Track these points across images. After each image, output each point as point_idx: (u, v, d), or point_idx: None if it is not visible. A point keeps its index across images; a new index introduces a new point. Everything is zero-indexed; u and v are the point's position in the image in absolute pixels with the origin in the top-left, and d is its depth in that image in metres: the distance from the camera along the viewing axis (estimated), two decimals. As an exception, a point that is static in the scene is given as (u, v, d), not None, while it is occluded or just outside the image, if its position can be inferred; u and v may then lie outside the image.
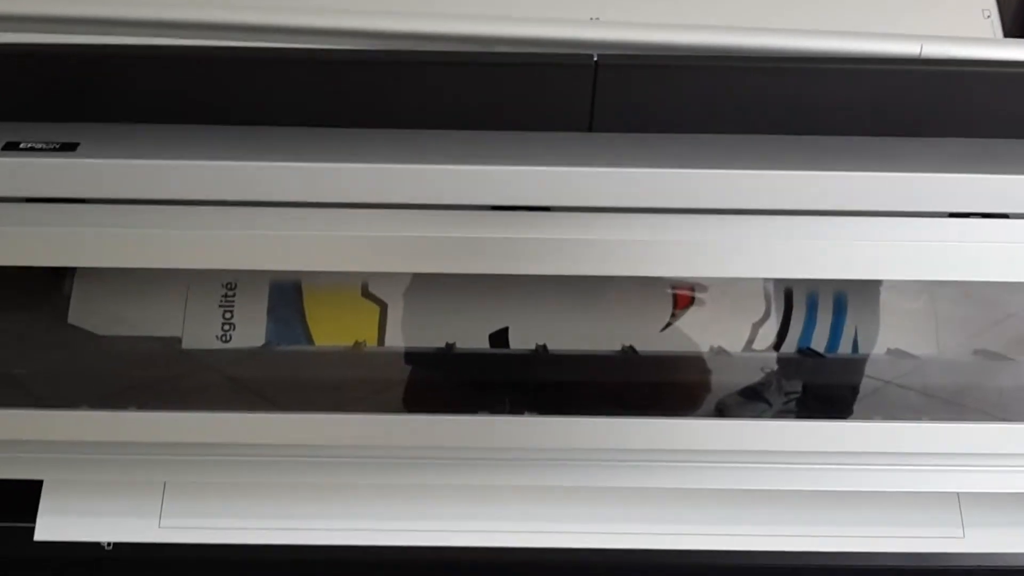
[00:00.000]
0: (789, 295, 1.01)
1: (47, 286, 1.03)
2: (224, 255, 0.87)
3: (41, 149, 0.85)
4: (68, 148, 0.85)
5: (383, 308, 1.01)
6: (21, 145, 0.85)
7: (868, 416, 0.96)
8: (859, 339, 1.03)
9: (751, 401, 1.02)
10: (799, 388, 1.04)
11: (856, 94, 0.90)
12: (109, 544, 0.99)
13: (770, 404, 1.02)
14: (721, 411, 1.02)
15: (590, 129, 0.89)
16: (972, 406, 1.03)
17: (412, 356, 1.02)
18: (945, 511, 1.00)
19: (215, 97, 0.93)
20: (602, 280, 1.00)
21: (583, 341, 1.02)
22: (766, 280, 1.03)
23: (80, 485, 1.01)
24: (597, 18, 1.09)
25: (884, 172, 0.84)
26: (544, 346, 1.01)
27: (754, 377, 1.03)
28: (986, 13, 1.11)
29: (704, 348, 1.03)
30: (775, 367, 1.04)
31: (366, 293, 1.02)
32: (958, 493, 1.00)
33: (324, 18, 0.96)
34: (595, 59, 0.87)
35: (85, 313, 1.03)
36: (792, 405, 1.03)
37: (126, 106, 0.92)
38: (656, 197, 0.85)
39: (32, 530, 0.99)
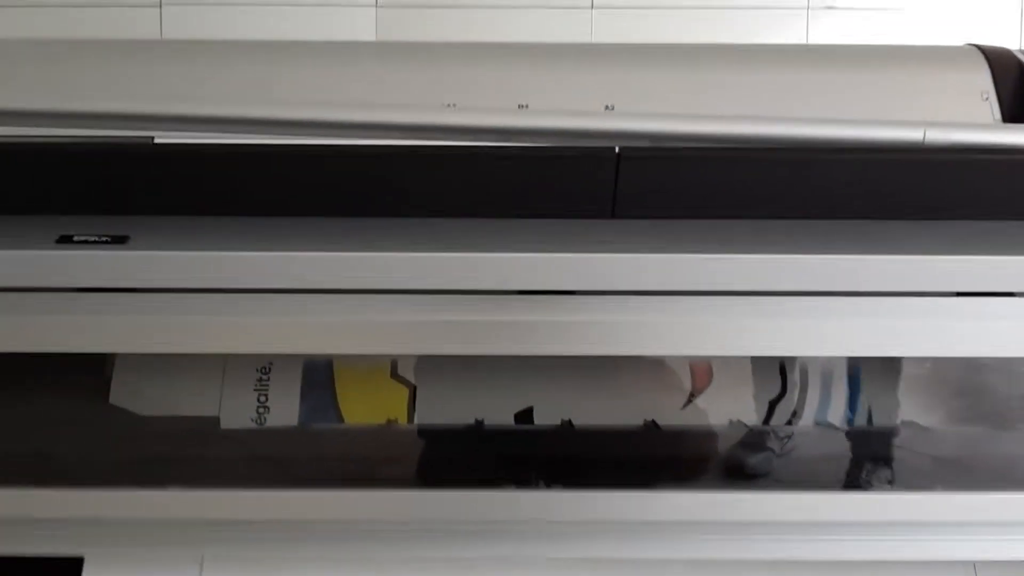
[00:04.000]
0: (804, 372, 1.04)
1: (89, 368, 1.06)
2: (262, 342, 0.91)
3: (93, 242, 0.90)
4: (118, 240, 0.90)
5: (412, 390, 1.05)
6: (75, 238, 0.90)
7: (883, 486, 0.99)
8: (874, 412, 1.06)
9: (757, 452, 1.04)
10: (792, 432, 1.06)
11: (865, 180, 0.95)
12: (150, 618, 1.01)
13: (774, 451, 1.05)
14: (732, 468, 1.05)
15: (613, 216, 0.94)
16: (983, 471, 1.05)
17: (440, 433, 1.06)
18: (962, 579, 1.02)
19: (251, 190, 0.98)
20: (624, 358, 1.04)
21: (606, 416, 1.05)
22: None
23: (121, 560, 1.03)
24: (612, 106, 1.14)
25: (893, 255, 0.88)
26: (569, 421, 1.04)
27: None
28: (984, 95, 1.15)
29: (723, 422, 1.06)
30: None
31: (395, 375, 1.05)
32: (975, 562, 1.02)
33: (354, 113, 1.01)
34: (617, 151, 0.92)
35: (126, 394, 1.06)
36: (791, 446, 1.06)
37: (170, 200, 0.97)
38: (676, 280, 0.89)
39: (75, 605, 1.02)
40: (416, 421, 1.05)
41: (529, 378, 1.03)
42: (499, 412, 1.04)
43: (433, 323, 0.90)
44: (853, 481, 1.02)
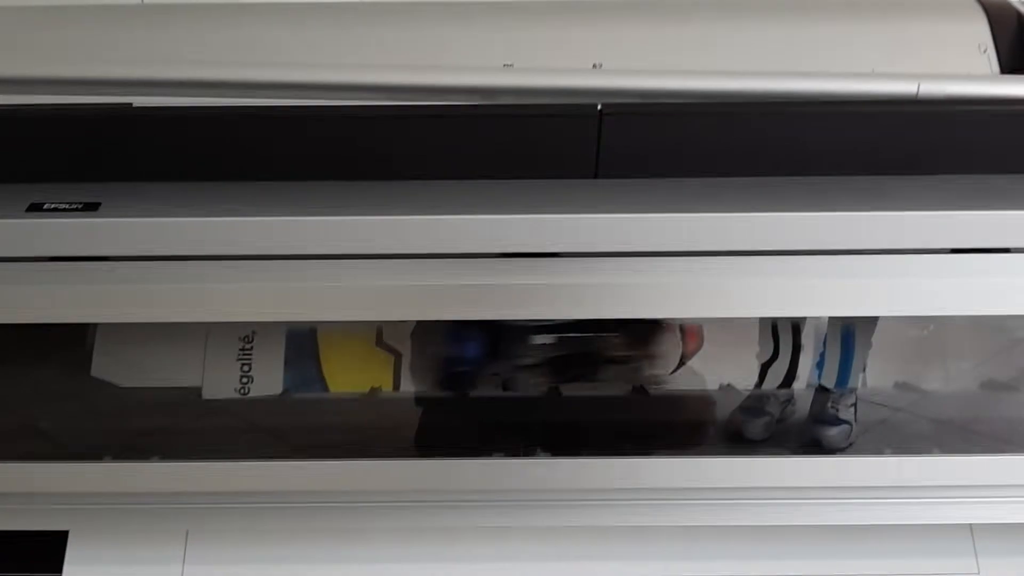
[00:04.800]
0: (797, 333, 1.02)
1: (70, 340, 1.05)
2: (241, 308, 0.90)
3: (64, 209, 0.88)
4: (90, 208, 0.88)
5: (398, 357, 1.03)
6: (45, 206, 0.88)
7: (878, 449, 0.97)
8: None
9: (756, 417, 1.03)
10: (792, 395, 1.05)
11: (856, 135, 0.92)
12: (134, 592, 1.01)
13: (773, 415, 1.03)
14: (731, 434, 1.03)
15: (596, 176, 0.92)
16: (984, 432, 1.03)
17: (426, 400, 1.04)
18: (959, 543, 1.01)
19: (229, 154, 0.96)
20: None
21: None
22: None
23: (105, 535, 1.02)
24: (600, 64, 1.12)
25: (885, 211, 0.86)
26: (557, 389, 1.03)
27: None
28: (982, 47, 1.12)
29: (713, 386, 1.04)
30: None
31: (380, 343, 1.03)
32: (971, 525, 1.01)
33: (335, 74, 0.99)
34: (599, 108, 0.89)
35: (108, 366, 1.05)
36: (792, 411, 1.04)
37: (145, 165, 0.95)
38: (661, 241, 0.87)
39: (59, 580, 1.01)
40: (401, 389, 1.04)
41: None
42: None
43: (415, 287, 0.88)
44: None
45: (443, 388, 1.06)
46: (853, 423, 1.02)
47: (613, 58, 1.11)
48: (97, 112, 1.00)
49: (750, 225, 0.86)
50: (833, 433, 1.02)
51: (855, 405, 1.03)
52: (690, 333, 1.02)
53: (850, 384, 1.03)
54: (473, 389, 1.05)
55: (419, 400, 1.05)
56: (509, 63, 1.11)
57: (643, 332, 1.03)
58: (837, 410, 1.03)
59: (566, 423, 1.04)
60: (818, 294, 0.87)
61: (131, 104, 1.05)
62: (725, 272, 0.87)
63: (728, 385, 1.04)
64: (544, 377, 1.04)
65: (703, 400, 1.05)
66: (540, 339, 1.02)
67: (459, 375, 1.04)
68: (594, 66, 1.12)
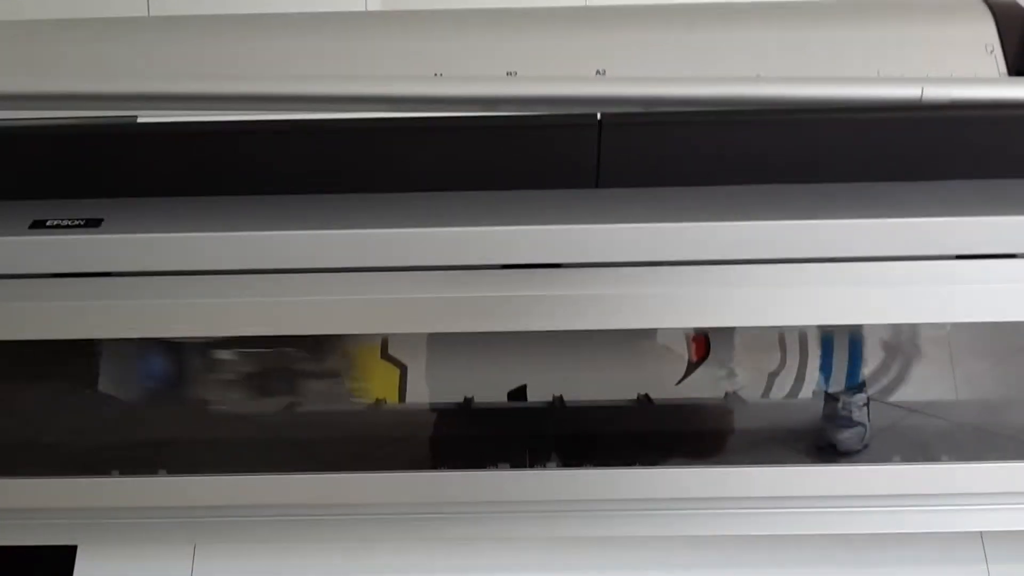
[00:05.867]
0: (803, 342, 1.01)
1: (77, 355, 1.05)
2: (246, 323, 0.89)
3: (67, 226, 0.88)
4: (93, 224, 0.88)
5: (403, 370, 1.03)
6: (47, 223, 0.88)
7: (886, 456, 0.96)
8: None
9: (847, 428, 1.01)
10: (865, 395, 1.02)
11: (859, 140, 0.91)
12: (142, 607, 1.01)
13: (864, 425, 1.01)
14: (825, 451, 1.02)
15: (596, 185, 0.91)
16: (994, 439, 1.02)
17: (431, 412, 1.04)
18: (969, 551, 1.00)
19: (233, 168, 0.96)
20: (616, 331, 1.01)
21: (599, 392, 1.03)
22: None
23: (113, 549, 1.03)
24: (603, 71, 1.11)
25: (890, 218, 0.85)
26: (561, 398, 1.02)
27: (771, 422, 1.03)
28: (989, 48, 1.11)
29: (719, 395, 1.04)
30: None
31: (385, 355, 1.03)
32: (982, 532, 1.00)
33: (332, 85, 0.99)
34: (599, 118, 0.89)
35: (114, 381, 1.05)
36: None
37: (149, 181, 0.95)
38: (664, 250, 0.86)
39: (68, 595, 1.02)
40: (407, 401, 1.04)
41: (518, 353, 1.01)
42: (488, 389, 1.02)
43: (415, 301, 0.88)
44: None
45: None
46: (867, 424, 1.01)
47: (617, 65, 1.11)
48: (102, 127, 1.01)
49: (753, 233, 0.85)
50: (847, 436, 1.01)
51: (867, 406, 1.02)
52: (697, 342, 1.01)
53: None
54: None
55: (426, 412, 1.05)
56: (513, 71, 1.11)
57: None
58: (850, 412, 1.01)
59: (571, 433, 1.03)
60: (823, 302, 0.86)
61: (136, 119, 1.05)
62: (728, 281, 0.86)
63: (735, 395, 1.03)
64: (241, 393, 1.04)
65: (708, 409, 1.04)
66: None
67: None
68: (597, 73, 1.11)
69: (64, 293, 0.88)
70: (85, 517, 0.99)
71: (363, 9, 1.64)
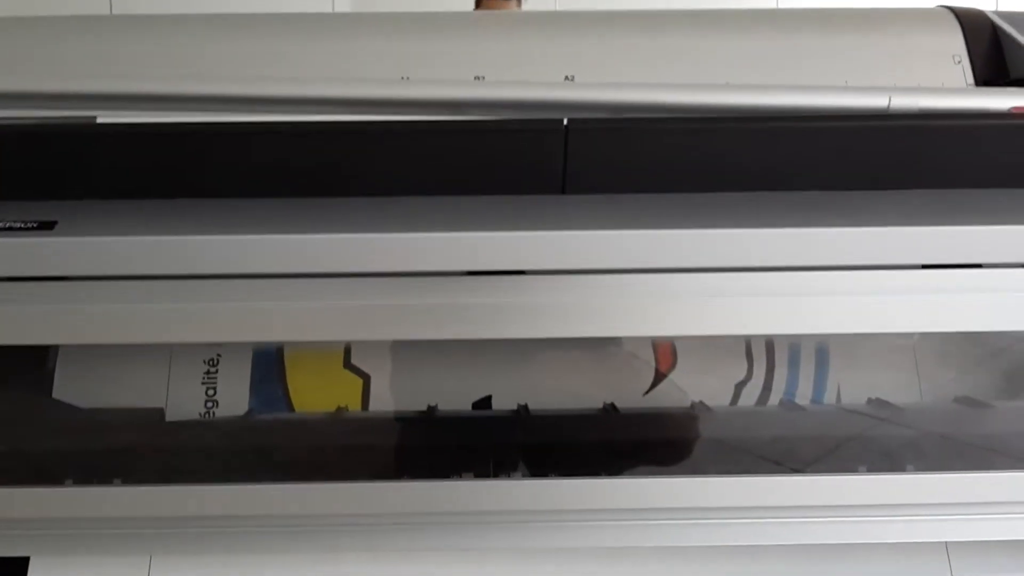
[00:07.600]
0: (770, 351, 1.00)
1: (32, 361, 1.03)
2: (203, 329, 0.88)
3: (19, 228, 0.86)
4: (46, 227, 0.86)
5: (366, 380, 1.01)
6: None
7: (852, 467, 0.96)
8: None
9: None
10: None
11: (827, 149, 0.91)
12: (96, 620, 0.98)
13: None
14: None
15: (563, 192, 0.90)
16: (959, 449, 1.02)
17: (394, 421, 1.02)
18: (934, 561, 1.00)
19: (192, 170, 0.94)
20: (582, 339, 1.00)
21: (564, 400, 1.02)
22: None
23: (67, 560, 1.00)
24: (572, 76, 1.11)
25: (856, 227, 0.85)
26: (526, 406, 1.01)
27: (738, 432, 1.02)
28: (956, 59, 1.11)
29: (686, 404, 1.03)
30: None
31: (348, 365, 1.02)
32: (947, 543, 0.99)
33: (295, 87, 0.97)
34: (565, 124, 0.88)
35: (70, 388, 1.03)
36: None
37: (106, 183, 0.93)
38: (629, 258, 0.85)
39: (20, 607, 0.99)
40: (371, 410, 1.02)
41: (482, 361, 1.00)
42: (452, 397, 1.00)
43: (378, 307, 0.86)
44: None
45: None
46: None
47: (586, 70, 1.10)
48: (60, 127, 0.99)
49: (719, 242, 0.85)
50: None
51: None
52: (663, 352, 1.00)
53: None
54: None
55: (390, 422, 1.03)
56: (480, 76, 1.10)
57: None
58: None
59: (536, 442, 1.02)
60: (789, 312, 0.86)
61: (95, 119, 1.03)
62: (694, 290, 0.86)
63: (701, 404, 1.03)
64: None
65: (674, 418, 1.03)
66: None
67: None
68: (566, 78, 1.10)
69: (16, 297, 0.86)
70: (37, 528, 0.96)
71: (330, 10, 1.63)
